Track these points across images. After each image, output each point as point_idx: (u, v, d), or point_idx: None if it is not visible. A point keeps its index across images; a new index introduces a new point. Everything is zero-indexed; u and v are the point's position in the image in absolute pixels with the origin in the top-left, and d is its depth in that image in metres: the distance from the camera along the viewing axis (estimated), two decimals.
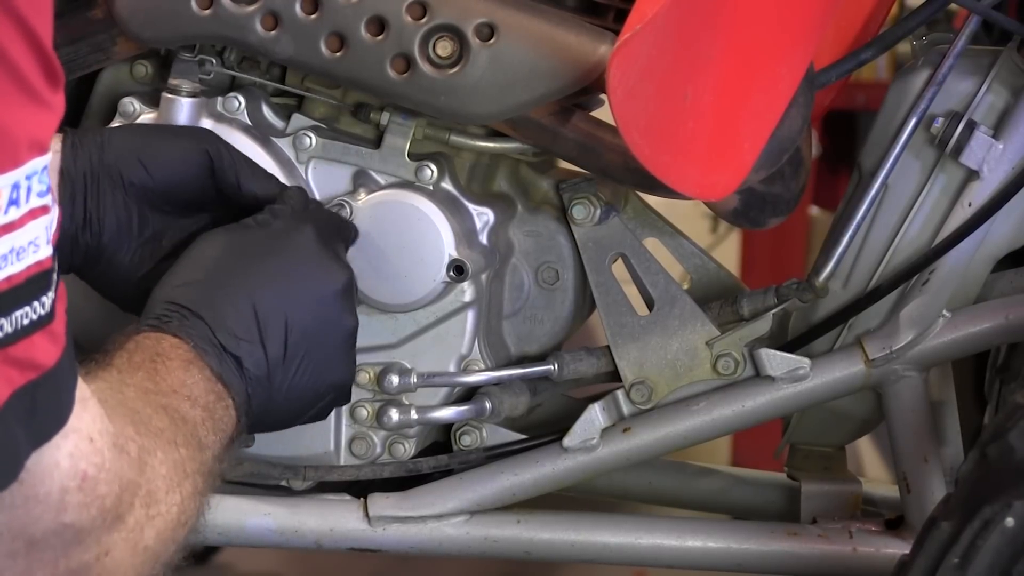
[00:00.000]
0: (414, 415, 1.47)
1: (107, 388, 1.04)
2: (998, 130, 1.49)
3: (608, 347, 1.51)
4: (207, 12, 1.38)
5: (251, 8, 1.37)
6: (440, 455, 1.53)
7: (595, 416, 1.51)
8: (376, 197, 1.43)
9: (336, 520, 1.52)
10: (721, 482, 1.71)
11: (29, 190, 0.85)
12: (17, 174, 0.84)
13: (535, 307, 1.53)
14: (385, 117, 1.45)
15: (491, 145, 1.47)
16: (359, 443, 1.49)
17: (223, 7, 1.37)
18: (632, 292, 1.51)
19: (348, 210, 1.42)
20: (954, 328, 1.51)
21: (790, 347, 1.53)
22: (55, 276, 0.88)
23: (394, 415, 1.46)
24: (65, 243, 1.30)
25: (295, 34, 1.37)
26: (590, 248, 1.50)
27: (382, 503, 1.52)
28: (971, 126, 1.48)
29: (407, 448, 1.50)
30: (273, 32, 1.38)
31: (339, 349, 1.30)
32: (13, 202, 0.84)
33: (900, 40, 1.52)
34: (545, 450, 1.53)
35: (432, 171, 1.44)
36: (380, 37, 1.36)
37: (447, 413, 1.49)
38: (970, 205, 1.49)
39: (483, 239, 1.48)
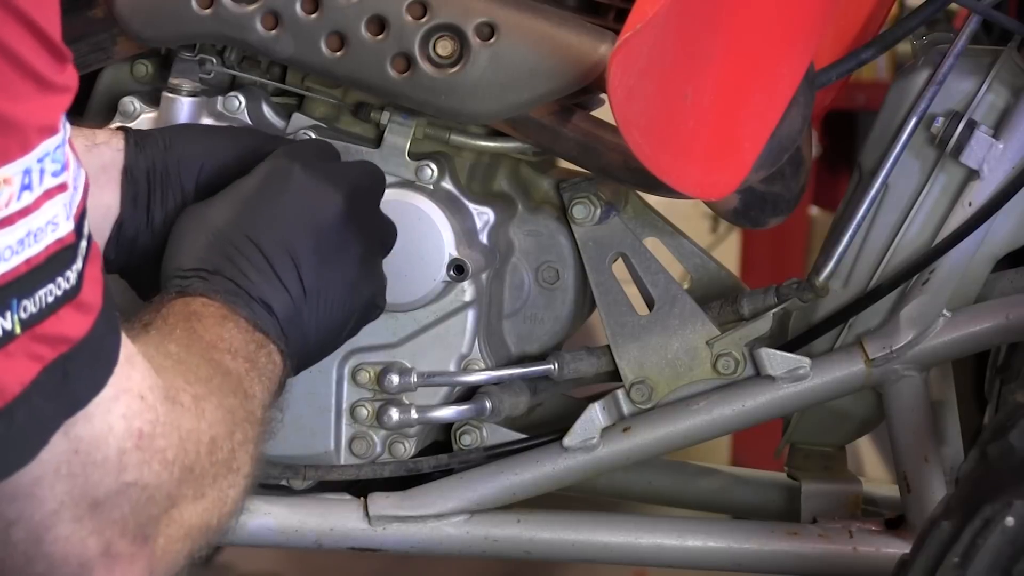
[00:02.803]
0: (414, 414, 1.47)
1: (150, 346, 1.05)
2: (998, 130, 1.49)
3: (608, 347, 1.51)
4: (207, 11, 1.38)
5: (251, 7, 1.37)
6: (440, 455, 1.53)
7: (595, 416, 1.51)
8: None
9: (336, 519, 1.52)
10: (721, 482, 1.71)
11: (42, 172, 0.87)
12: (27, 160, 0.85)
13: (535, 307, 1.53)
14: (385, 116, 1.45)
15: (491, 144, 1.47)
16: (359, 442, 1.49)
17: (223, 6, 1.37)
18: (632, 292, 1.51)
19: None
20: (954, 328, 1.51)
21: (790, 347, 1.53)
22: (82, 246, 0.90)
23: (394, 414, 1.46)
24: (124, 244, 1.30)
25: (295, 33, 1.37)
26: (590, 248, 1.50)
27: (382, 502, 1.52)
28: (971, 126, 1.48)
29: (407, 447, 1.50)
30: (273, 31, 1.38)
31: (356, 270, 1.29)
32: (26, 187, 0.86)
33: (900, 40, 1.52)
34: (545, 450, 1.53)
35: (432, 170, 1.45)
36: (380, 36, 1.36)
37: (447, 412, 1.49)
38: (970, 205, 1.49)
39: (483, 238, 1.48)
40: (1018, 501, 1.19)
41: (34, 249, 0.86)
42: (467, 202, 1.47)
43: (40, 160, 0.86)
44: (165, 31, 1.40)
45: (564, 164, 1.51)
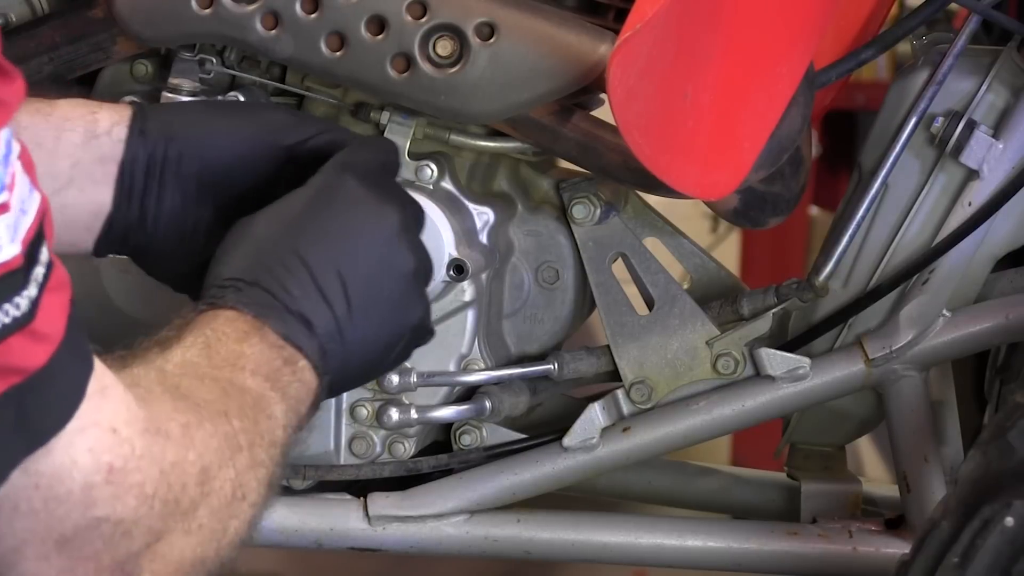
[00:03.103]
0: (414, 414, 1.47)
1: (146, 369, 1.01)
2: (998, 129, 1.49)
3: (608, 347, 1.51)
4: (207, 11, 1.38)
5: (251, 7, 1.37)
6: (440, 454, 1.53)
7: (595, 416, 1.51)
8: None
9: (336, 519, 1.52)
10: (721, 482, 1.71)
11: None
12: None
13: (535, 306, 1.53)
14: (385, 116, 1.45)
15: (491, 144, 1.47)
16: (359, 442, 1.49)
17: (223, 6, 1.37)
18: (632, 292, 1.51)
19: None
20: (954, 328, 1.51)
21: (790, 347, 1.53)
22: (36, 272, 0.86)
23: (394, 414, 1.46)
24: (116, 235, 1.26)
25: (295, 33, 1.37)
26: (590, 248, 1.50)
27: (382, 502, 1.52)
28: (971, 125, 1.48)
29: (407, 447, 1.50)
30: (273, 31, 1.38)
31: (405, 290, 1.23)
32: None
33: (900, 40, 1.52)
34: (545, 450, 1.53)
35: (432, 170, 1.45)
36: (380, 36, 1.36)
37: (447, 412, 1.49)
38: (970, 205, 1.49)
39: (483, 238, 1.48)
40: (1018, 501, 1.19)
41: None
42: (467, 202, 1.47)
43: None
44: (165, 31, 1.40)
45: (564, 164, 1.51)
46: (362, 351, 1.19)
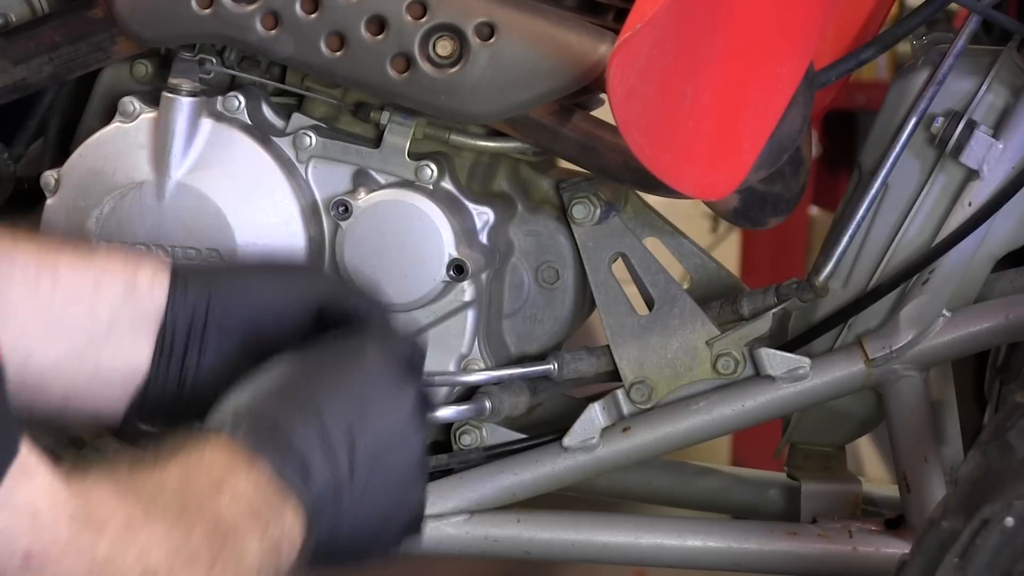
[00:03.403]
0: None
1: (109, 471, 0.95)
2: (998, 129, 1.49)
3: (608, 347, 1.51)
4: (207, 11, 1.38)
5: (251, 7, 1.37)
6: (440, 454, 1.53)
7: (595, 416, 1.51)
8: (376, 196, 1.43)
9: None
10: (721, 482, 1.71)
11: None
12: None
13: (535, 306, 1.53)
14: (385, 116, 1.45)
15: (491, 144, 1.47)
16: None
17: (223, 6, 1.37)
18: (632, 292, 1.51)
19: (348, 209, 1.43)
20: (954, 328, 1.51)
21: (790, 347, 1.53)
22: None
23: None
24: (151, 399, 1.19)
25: (295, 33, 1.37)
26: (590, 248, 1.50)
27: None
28: (971, 126, 1.48)
29: None
30: (273, 31, 1.38)
31: (408, 469, 1.16)
32: None
33: (900, 40, 1.52)
34: (545, 450, 1.53)
35: (432, 170, 1.45)
36: (380, 36, 1.36)
37: (447, 413, 1.49)
38: (970, 205, 1.49)
39: (483, 238, 1.48)
40: (1018, 501, 1.19)
41: None
42: (467, 202, 1.47)
43: None
44: (165, 31, 1.40)
45: (564, 164, 1.51)
46: (354, 524, 1.11)
